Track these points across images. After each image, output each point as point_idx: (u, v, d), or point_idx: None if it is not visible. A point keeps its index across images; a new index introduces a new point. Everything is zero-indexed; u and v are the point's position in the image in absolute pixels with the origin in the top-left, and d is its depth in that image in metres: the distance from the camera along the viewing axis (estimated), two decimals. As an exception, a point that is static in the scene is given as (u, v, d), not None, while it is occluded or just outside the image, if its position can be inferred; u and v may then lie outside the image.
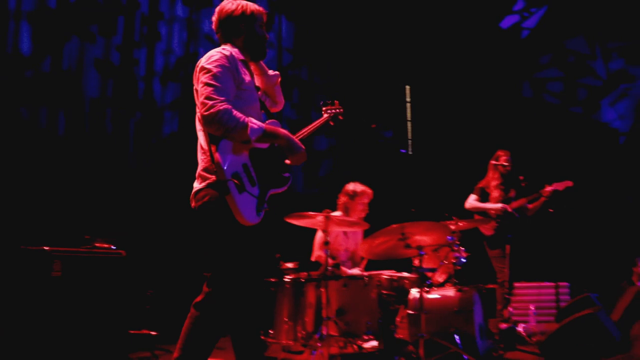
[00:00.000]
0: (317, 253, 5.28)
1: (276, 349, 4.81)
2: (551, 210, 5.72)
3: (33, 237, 4.24)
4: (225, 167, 2.59)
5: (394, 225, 4.20)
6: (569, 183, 5.64)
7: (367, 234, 4.71)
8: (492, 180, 5.89)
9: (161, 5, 6.41)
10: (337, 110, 3.54)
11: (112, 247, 4.28)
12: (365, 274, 4.82)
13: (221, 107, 2.58)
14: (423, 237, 4.34)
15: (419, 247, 4.33)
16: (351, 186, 5.39)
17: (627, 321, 4.74)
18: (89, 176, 5.52)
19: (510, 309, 5.49)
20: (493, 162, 5.90)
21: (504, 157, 5.86)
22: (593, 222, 7.86)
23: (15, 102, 5.16)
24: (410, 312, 4.30)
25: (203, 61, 2.75)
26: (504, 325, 5.28)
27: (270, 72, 3.12)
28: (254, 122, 2.66)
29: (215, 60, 2.71)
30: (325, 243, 4.43)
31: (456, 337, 4.13)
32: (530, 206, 5.80)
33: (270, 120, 2.93)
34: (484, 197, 5.87)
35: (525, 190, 5.70)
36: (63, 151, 5.40)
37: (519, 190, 5.77)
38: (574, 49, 9.10)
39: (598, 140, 8.65)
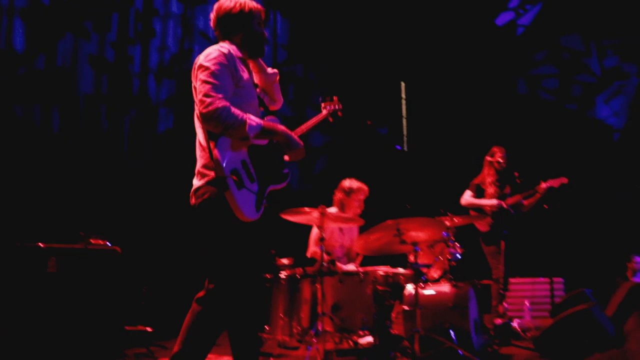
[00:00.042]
0: (312, 249, 5.28)
1: (272, 344, 4.81)
2: (546, 207, 5.74)
3: (28, 233, 4.23)
4: (224, 164, 2.59)
5: (390, 221, 4.21)
6: (564, 180, 5.66)
7: (362, 230, 4.72)
8: (487, 177, 5.90)
9: (155, 2, 6.40)
10: (337, 107, 3.54)
11: (107, 243, 4.27)
12: (361, 269, 4.83)
13: (219, 105, 2.58)
14: (418, 233, 4.35)
15: (414, 243, 4.34)
16: (347, 183, 5.39)
17: (621, 316, 4.76)
18: (84, 173, 5.51)
19: (505, 304, 5.51)
20: (488, 158, 5.91)
21: (499, 154, 5.87)
22: (588, 218, 7.88)
23: (9, 99, 5.14)
24: (406, 307, 4.31)
25: (201, 59, 2.75)
26: (499, 321, 5.30)
27: (269, 70, 3.12)
28: (252, 119, 2.67)
29: (213, 58, 2.71)
30: (321, 239, 4.43)
31: (451, 332, 4.14)
32: (525, 202, 5.81)
33: (268, 117, 2.93)
34: (479, 193, 5.88)
35: (521, 187, 5.71)
36: (58, 148, 5.38)
37: (514, 186, 5.78)
38: (569, 46, 9.12)
39: (593, 137, 8.68)
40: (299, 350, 4.42)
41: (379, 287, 4.59)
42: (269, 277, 4.66)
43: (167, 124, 6.42)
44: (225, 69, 2.71)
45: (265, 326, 4.57)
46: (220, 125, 2.59)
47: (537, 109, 9.03)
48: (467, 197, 5.90)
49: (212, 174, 2.67)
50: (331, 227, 5.22)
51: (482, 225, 5.79)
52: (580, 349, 4.20)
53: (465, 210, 5.87)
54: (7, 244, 3.91)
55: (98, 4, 5.83)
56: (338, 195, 5.39)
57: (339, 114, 3.53)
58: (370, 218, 4.85)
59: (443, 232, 4.47)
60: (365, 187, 5.38)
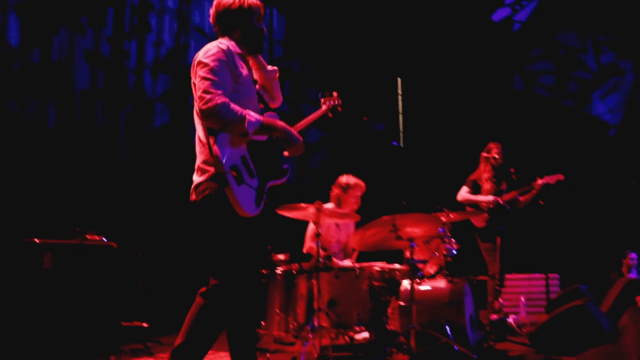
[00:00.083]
0: (308, 244, 5.28)
1: (268, 340, 4.82)
2: (542, 203, 5.75)
3: (24, 229, 4.22)
4: (223, 160, 2.60)
5: (386, 217, 4.21)
6: (560, 177, 5.67)
7: (358, 226, 4.72)
8: (483, 173, 5.90)
9: (151, -4, 6.38)
10: (336, 102, 3.53)
11: (103, 239, 4.26)
12: (357, 265, 4.83)
13: (219, 101, 2.59)
14: (414, 229, 4.35)
15: (410, 239, 4.34)
16: (344, 178, 5.39)
17: (616, 312, 4.79)
18: (80, 168, 5.49)
19: (500, 300, 5.52)
20: (484, 154, 5.92)
21: (495, 150, 5.87)
22: (583, 215, 7.91)
23: (4, 94, 5.11)
24: (402, 303, 4.31)
25: (200, 55, 2.76)
26: (494, 317, 5.31)
27: (269, 67, 3.12)
28: (251, 115, 2.68)
29: (212, 54, 2.72)
30: (317, 235, 4.43)
31: (447, 328, 4.15)
32: (521, 199, 5.82)
33: (268, 113, 2.95)
34: (475, 189, 5.89)
35: (517, 183, 5.72)
36: (53, 143, 5.36)
37: (510, 182, 5.79)
38: (565, 43, 9.13)
39: (588, 133, 8.70)
40: (295, 345, 4.43)
41: (375, 283, 4.59)
42: (265, 272, 4.66)
43: (163, 119, 6.41)
44: (225, 65, 2.72)
45: (262, 322, 4.57)
46: (220, 122, 2.60)
47: (533, 105, 9.04)
48: (463, 193, 5.90)
49: (212, 169, 2.68)
50: (327, 222, 5.22)
51: (478, 221, 5.80)
52: (576, 345, 4.22)
53: (461, 206, 5.88)
54: (3, 239, 3.90)
55: (93, -1, 5.81)
56: (335, 191, 5.39)
57: (339, 109, 3.53)
58: (366, 214, 4.85)
59: (439, 228, 4.47)
60: (362, 183, 5.38)
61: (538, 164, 6.52)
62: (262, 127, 2.73)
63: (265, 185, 2.82)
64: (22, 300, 3.72)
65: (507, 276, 6.34)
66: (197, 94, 2.67)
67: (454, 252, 4.65)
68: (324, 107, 3.51)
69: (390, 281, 4.65)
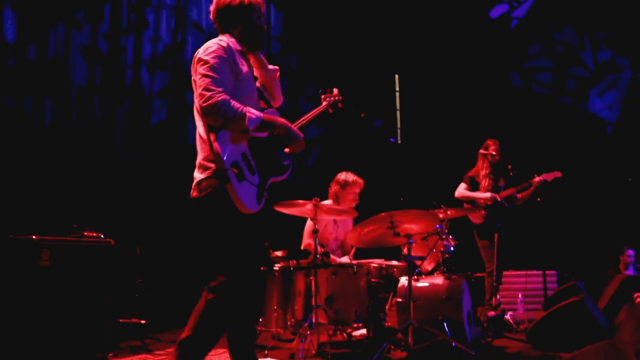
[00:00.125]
0: (306, 241, 5.29)
1: (266, 336, 4.83)
2: (539, 200, 5.76)
3: (21, 226, 4.20)
4: (224, 157, 2.61)
5: (383, 214, 4.21)
6: (558, 174, 5.68)
7: (356, 223, 4.72)
8: (481, 170, 5.91)
9: (148, -8, 6.34)
10: (337, 98, 3.54)
11: (101, 235, 4.25)
12: (355, 262, 4.83)
13: (219, 98, 2.60)
14: (412, 226, 4.36)
15: (408, 236, 4.34)
16: (343, 175, 5.39)
17: (613, 308, 4.80)
18: (77, 165, 5.47)
19: (498, 297, 5.53)
20: (482, 151, 5.92)
21: (493, 147, 5.87)
22: (581, 212, 7.92)
23: (0, 90, 5.09)
24: (399, 300, 4.32)
25: (200, 52, 2.76)
26: (492, 313, 5.32)
27: (270, 66, 3.12)
28: (252, 112, 2.68)
29: (212, 52, 2.73)
30: (315, 231, 4.44)
31: (445, 324, 4.16)
32: (519, 195, 5.83)
33: (268, 110, 2.96)
34: (473, 186, 5.89)
35: (514, 180, 5.73)
36: (50, 140, 5.34)
37: (508, 179, 5.79)
38: (563, 40, 9.13)
39: (586, 130, 8.71)
40: (293, 342, 4.43)
41: (373, 280, 4.60)
42: (263, 269, 4.66)
43: (160, 116, 6.38)
44: (225, 63, 2.73)
45: (260, 318, 4.57)
46: (220, 119, 2.61)
47: (531, 102, 9.04)
48: (461, 190, 5.91)
49: (213, 166, 2.69)
50: (325, 219, 5.22)
51: (476, 218, 5.81)
52: (573, 341, 4.22)
53: (459, 202, 5.89)
54: (0, 236, 3.89)
55: (90, -6, 5.78)
56: (333, 187, 5.39)
57: (339, 105, 3.54)
58: (364, 210, 4.85)
59: (437, 225, 4.48)
60: (360, 180, 5.39)
61: (536, 161, 6.53)
62: (262, 124, 2.73)
63: (266, 181, 2.84)
64: (20, 298, 3.71)
65: (505, 273, 6.34)
66: (197, 91, 2.68)
67: (452, 248, 4.66)
68: (324, 104, 3.51)
69: (388, 278, 4.66)
